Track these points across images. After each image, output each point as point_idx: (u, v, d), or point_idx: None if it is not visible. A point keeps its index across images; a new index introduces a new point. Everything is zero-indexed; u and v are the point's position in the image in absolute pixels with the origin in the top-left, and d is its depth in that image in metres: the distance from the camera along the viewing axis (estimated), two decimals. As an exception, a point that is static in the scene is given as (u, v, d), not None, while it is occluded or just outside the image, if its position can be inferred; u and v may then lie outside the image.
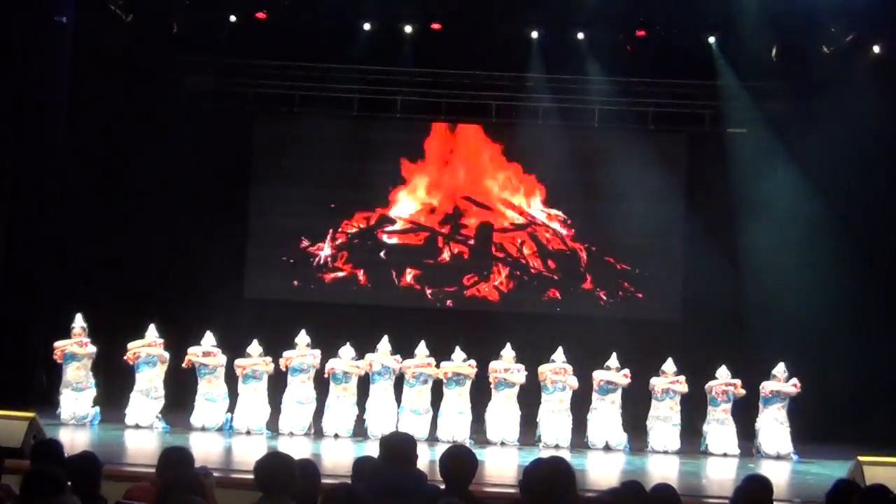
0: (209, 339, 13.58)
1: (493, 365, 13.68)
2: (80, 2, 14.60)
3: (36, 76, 14.20)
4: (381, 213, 17.45)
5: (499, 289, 17.41)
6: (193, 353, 13.44)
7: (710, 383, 13.76)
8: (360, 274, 17.40)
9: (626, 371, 13.76)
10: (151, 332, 13.53)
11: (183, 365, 13.43)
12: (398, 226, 17.49)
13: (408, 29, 16.45)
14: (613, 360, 13.79)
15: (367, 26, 16.35)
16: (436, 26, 16.55)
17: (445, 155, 17.55)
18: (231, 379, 13.52)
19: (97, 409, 13.24)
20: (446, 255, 17.48)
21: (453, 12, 16.16)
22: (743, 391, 13.74)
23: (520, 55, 16.57)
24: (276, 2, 16.07)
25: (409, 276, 17.40)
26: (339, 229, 17.40)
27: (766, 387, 13.76)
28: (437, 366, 13.57)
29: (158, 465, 5.70)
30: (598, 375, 13.73)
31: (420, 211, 17.48)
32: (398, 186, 17.47)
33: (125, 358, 13.35)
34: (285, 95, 16.88)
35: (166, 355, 13.43)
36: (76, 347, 13.26)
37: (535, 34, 16.40)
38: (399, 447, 5.50)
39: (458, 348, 13.75)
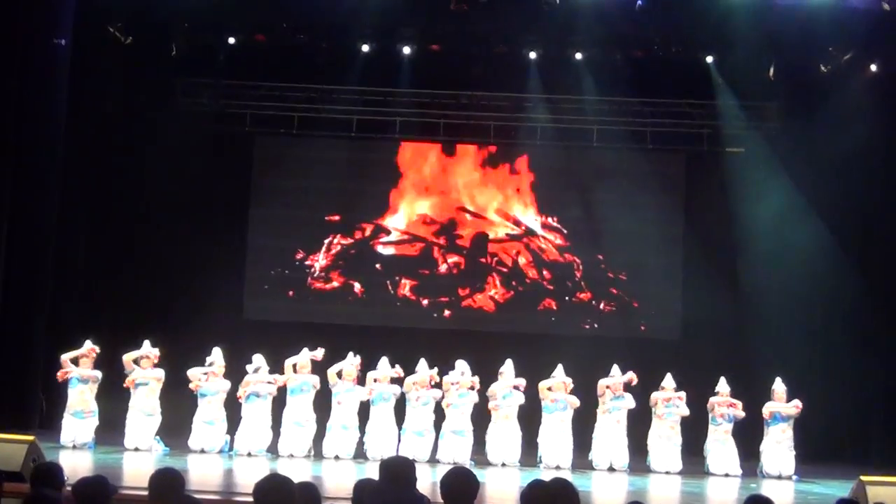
0: (217, 354, 13.48)
1: (493, 389, 13.60)
2: (79, 24, 14.63)
3: (36, 98, 14.22)
4: (377, 224, 17.45)
5: (494, 299, 17.40)
6: (195, 376, 13.36)
7: (712, 400, 13.70)
8: (357, 285, 17.41)
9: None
10: (146, 347, 13.45)
11: (191, 386, 13.35)
12: (393, 237, 17.51)
13: (406, 50, 16.51)
14: (616, 372, 13.74)
15: (365, 48, 16.40)
16: (434, 48, 16.62)
17: (442, 172, 17.56)
18: (231, 401, 13.45)
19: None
20: (442, 266, 17.48)
21: (451, 34, 16.22)
22: (743, 413, 13.67)
23: (518, 76, 16.63)
24: (275, 24, 16.12)
25: (406, 286, 17.40)
26: (335, 241, 17.40)
27: (768, 408, 13.69)
28: (440, 384, 13.51)
29: (150, 488, 5.65)
30: (603, 382, 13.67)
31: (415, 222, 17.50)
32: (395, 201, 17.48)
33: (125, 384, 13.27)
34: (284, 117, 16.92)
35: (160, 374, 13.34)
36: (82, 370, 13.19)
37: (533, 55, 16.47)
38: (398, 469, 5.49)
39: (464, 364, 13.64)
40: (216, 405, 13.28)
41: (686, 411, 13.64)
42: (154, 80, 16.35)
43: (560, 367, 13.72)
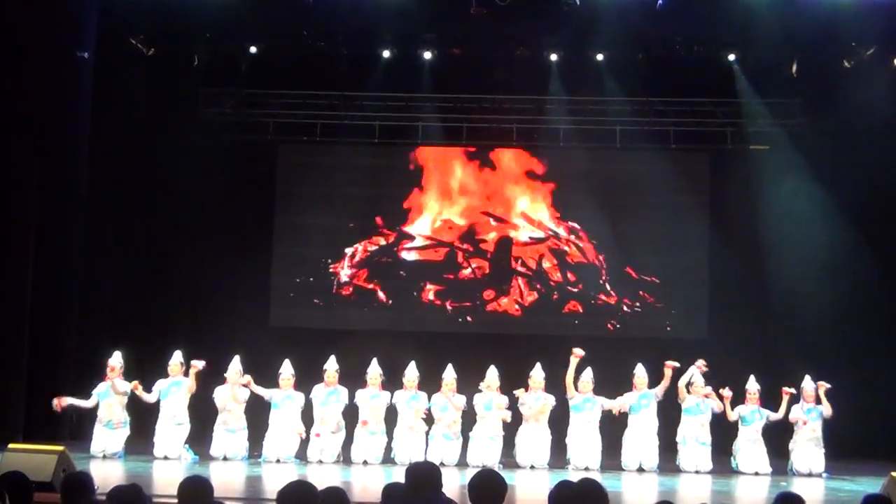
0: (236, 364, 13.51)
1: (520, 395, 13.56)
2: (102, 38, 14.74)
3: (60, 112, 14.34)
4: (401, 230, 17.47)
5: (519, 302, 17.37)
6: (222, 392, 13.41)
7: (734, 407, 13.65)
8: (381, 291, 17.41)
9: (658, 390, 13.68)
10: (176, 357, 13.50)
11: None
12: (417, 242, 17.51)
13: (427, 55, 16.52)
14: (641, 371, 13.74)
15: (386, 54, 16.43)
16: (455, 52, 16.63)
17: (465, 177, 17.56)
18: (256, 407, 13.48)
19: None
20: (466, 271, 17.47)
21: (472, 37, 16.21)
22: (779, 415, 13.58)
23: (539, 78, 16.59)
24: (296, 32, 16.16)
25: (430, 292, 17.40)
26: (360, 248, 17.42)
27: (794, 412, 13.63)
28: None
29: (179, 496, 5.69)
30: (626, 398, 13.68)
31: (439, 228, 17.50)
32: (419, 206, 17.50)
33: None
34: (307, 125, 16.94)
35: (191, 383, 13.37)
36: (106, 384, 13.24)
37: (554, 57, 16.44)
38: (424, 474, 5.50)
39: (495, 370, 13.66)
40: (236, 412, 13.30)
41: (719, 407, 13.59)
42: (177, 91, 16.42)
43: (588, 371, 13.68)
